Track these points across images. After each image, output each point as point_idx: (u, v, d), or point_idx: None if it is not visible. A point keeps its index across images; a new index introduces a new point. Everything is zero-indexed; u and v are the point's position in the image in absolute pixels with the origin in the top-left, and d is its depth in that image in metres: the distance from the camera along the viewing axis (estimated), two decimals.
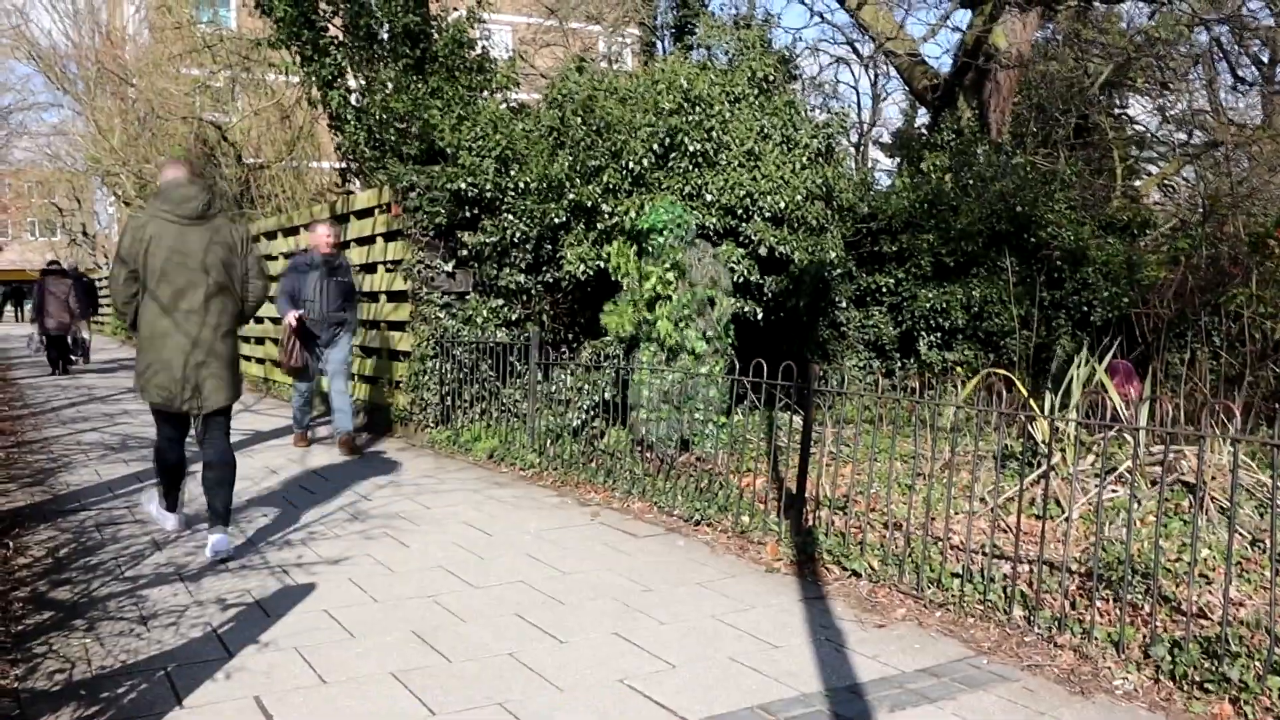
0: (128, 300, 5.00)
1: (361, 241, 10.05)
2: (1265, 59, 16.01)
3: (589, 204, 7.98)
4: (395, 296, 9.34)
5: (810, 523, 5.24)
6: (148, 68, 20.11)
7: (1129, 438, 5.66)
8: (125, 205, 23.04)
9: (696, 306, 6.90)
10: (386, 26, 10.46)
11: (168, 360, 4.92)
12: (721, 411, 6.75)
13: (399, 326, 9.26)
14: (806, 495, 5.30)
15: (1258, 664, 3.37)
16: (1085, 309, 9.57)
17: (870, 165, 19.41)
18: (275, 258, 12.82)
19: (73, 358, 15.99)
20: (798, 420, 6.27)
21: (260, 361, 13.70)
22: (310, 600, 4.37)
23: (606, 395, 7.32)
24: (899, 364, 9.93)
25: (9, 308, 45.97)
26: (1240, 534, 4.74)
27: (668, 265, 6.87)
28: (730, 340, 7.34)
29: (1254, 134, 13.64)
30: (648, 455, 6.76)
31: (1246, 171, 14.65)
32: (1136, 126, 18.24)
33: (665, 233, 6.93)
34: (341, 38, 10.80)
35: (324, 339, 8.12)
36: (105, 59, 23.05)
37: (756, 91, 8.49)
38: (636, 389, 6.83)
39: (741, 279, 7.92)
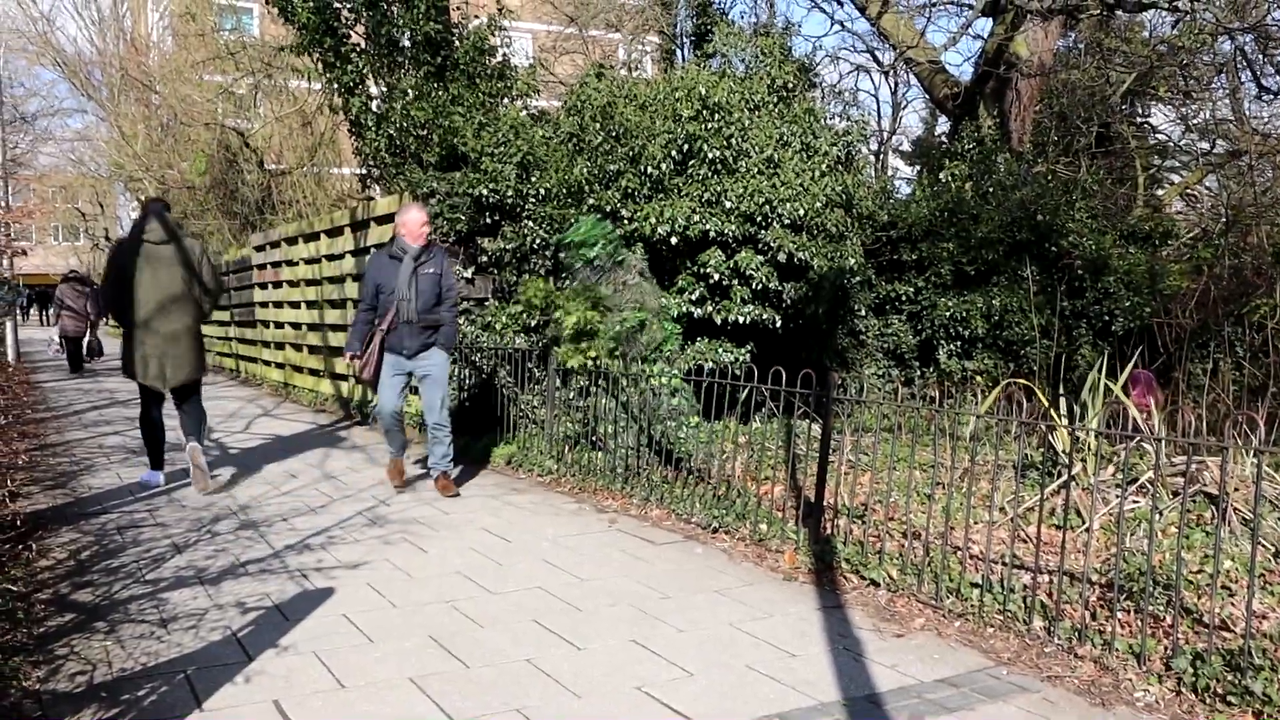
0: (113, 300, 6.66)
1: (381, 247, 10.08)
2: None
3: (608, 209, 7.99)
4: None
5: (828, 531, 5.22)
6: (171, 74, 20.30)
7: (1149, 448, 5.62)
8: None
9: (626, 335, 6.96)
10: (408, 34, 10.51)
11: (145, 349, 6.54)
12: (694, 414, 6.75)
13: None
14: (825, 503, 5.28)
15: None
16: (1107, 318, 9.51)
17: (890, 173, 19.37)
18: (296, 263, 12.90)
19: (85, 358, 17.26)
20: (816, 428, 6.26)
21: (280, 366, 13.78)
22: (329, 605, 4.38)
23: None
24: (918, 373, 9.90)
25: (34, 311, 46.44)
26: (1263, 546, 4.70)
27: (586, 303, 6.99)
28: (674, 346, 7.41)
29: (1278, 143, 13.52)
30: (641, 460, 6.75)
31: (1271, 181, 14.54)
32: (1159, 135, 18.12)
33: (589, 249, 7.07)
34: (363, 45, 10.87)
35: (410, 347, 6.58)
36: (129, 65, 23.28)
37: (776, 99, 8.49)
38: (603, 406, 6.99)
39: (760, 286, 7.92)
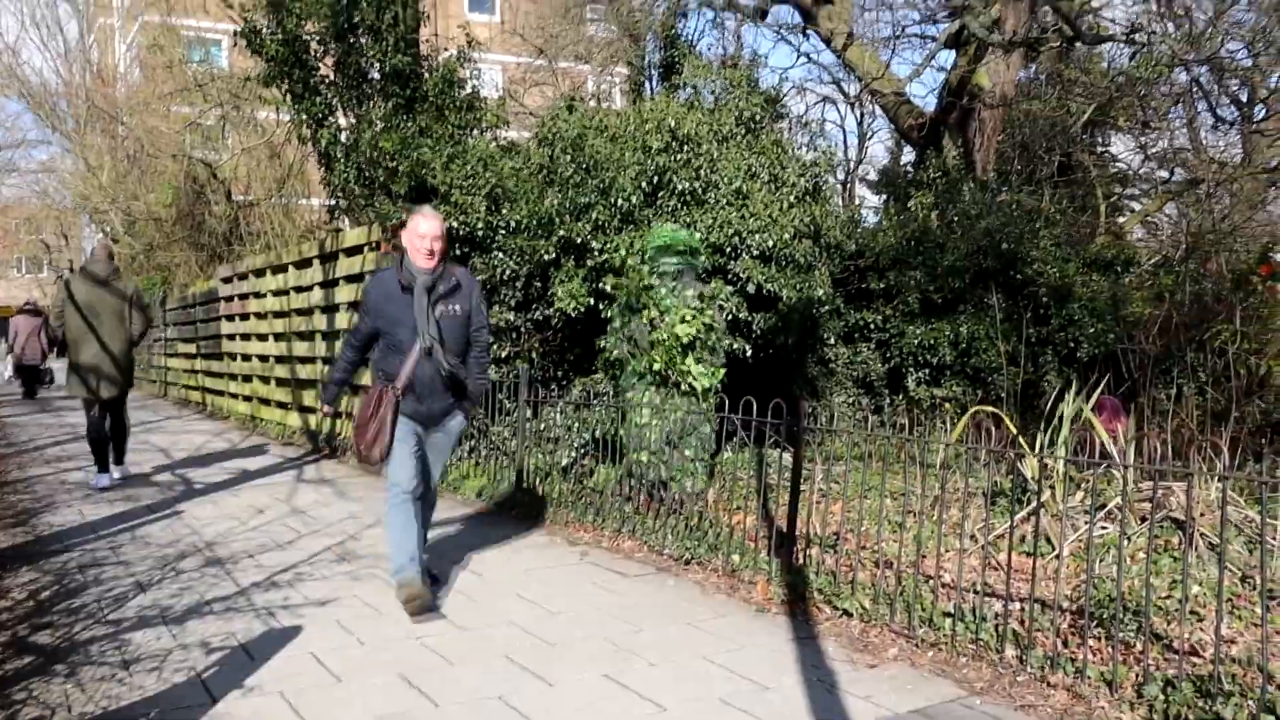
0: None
1: (350, 279, 10.06)
2: (1245, 98, 16.25)
3: (579, 241, 8.01)
4: None
5: (800, 561, 5.21)
6: (138, 106, 20.18)
7: (1117, 474, 5.66)
8: (114, 242, 23.04)
9: (713, 341, 6.82)
10: (377, 66, 10.52)
11: (86, 369, 8.02)
12: (710, 449, 6.71)
13: None
14: (797, 533, 5.28)
15: (1251, 703, 3.35)
16: (1072, 345, 9.61)
17: (858, 203, 19.56)
18: (264, 295, 12.81)
19: (40, 385, 18.59)
20: (787, 458, 6.26)
21: (248, 399, 13.63)
22: (296, 643, 4.31)
23: (597, 433, 7.27)
24: (888, 400, 9.94)
25: None
26: (1230, 570, 4.74)
27: (691, 295, 6.71)
28: (721, 378, 7.31)
29: (1234, 172, 13.80)
30: (639, 495, 6.72)
31: (1228, 209, 14.82)
32: (1119, 164, 18.44)
33: (678, 257, 6.74)
34: (332, 77, 10.86)
35: (434, 412, 4.87)
36: (96, 97, 23.13)
37: (744, 131, 8.56)
38: (638, 430, 6.65)
39: (731, 316, 7.94)
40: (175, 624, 4.59)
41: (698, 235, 7.15)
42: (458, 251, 8.50)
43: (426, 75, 10.69)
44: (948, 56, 15.12)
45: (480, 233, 8.29)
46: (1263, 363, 8.14)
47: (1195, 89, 14.03)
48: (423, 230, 4.72)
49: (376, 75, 10.69)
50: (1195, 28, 13.40)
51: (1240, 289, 8.62)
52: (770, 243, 7.98)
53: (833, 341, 9.80)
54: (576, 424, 7.61)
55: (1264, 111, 15.67)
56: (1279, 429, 7.75)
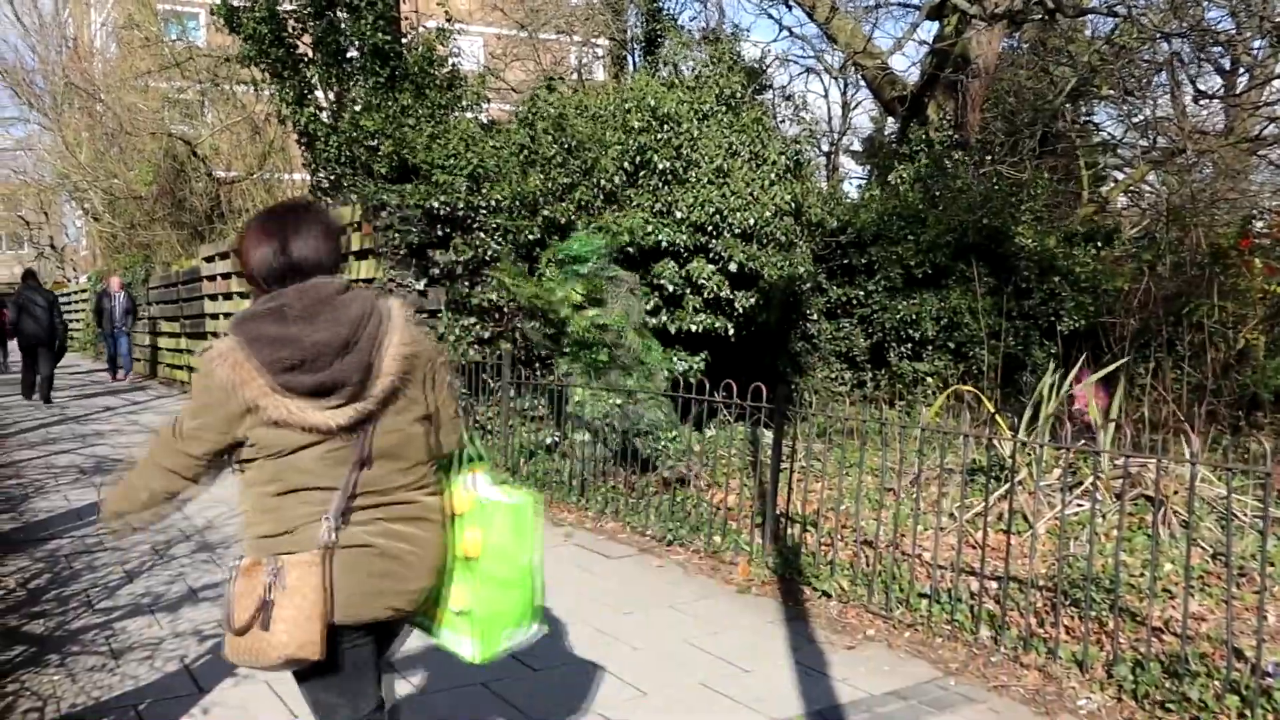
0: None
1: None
2: (1228, 65, 16.27)
3: (563, 221, 8.02)
4: None
5: (781, 542, 5.29)
6: (116, 83, 19.99)
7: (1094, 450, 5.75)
8: (94, 220, 22.89)
9: (611, 344, 7.02)
10: (356, 44, 10.47)
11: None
12: (672, 427, 6.80)
13: None
14: (778, 514, 5.36)
15: (1217, 683, 3.45)
16: (1053, 319, 9.70)
17: (842, 175, 19.56)
18: (230, 276, 12.78)
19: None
20: (769, 435, 6.34)
21: None
22: None
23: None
24: (870, 375, 10.02)
25: None
26: (1202, 548, 4.84)
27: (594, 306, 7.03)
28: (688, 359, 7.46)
29: (1215, 143, 13.86)
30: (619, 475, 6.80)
31: (1209, 180, 14.89)
32: (1103, 134, 18.47)
33: (582, 264, 7.06)
34: (311, 55, 10.80)
35: None
36: (72, 73, 22.89)
37: (725, 109, 8.56)
38: (576, 413, 6.95)
39: (713, 295, 7.99)
40: (167, 612, 4.65)
41: (599, 240, 7.41)
42: (440, 232, 8.51)
43: (407, 53, 10.65)
44: (930, 28, 15.08)
45: (462, 212, 8.30)
46: (1240, 336, 8.23)
47: (1177, 60, 14.03)
48: None
49: (356, 53, 10.64)
50: None
51: (1218, 262, 8.69)
52: (751, 221, 8.01)
53: (815, 317, 9.86)
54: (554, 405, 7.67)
55: (1247, 78, 15.71)
56: (1256, 402, 7.85)
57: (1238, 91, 15.08)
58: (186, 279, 15.96)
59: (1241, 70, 15.86)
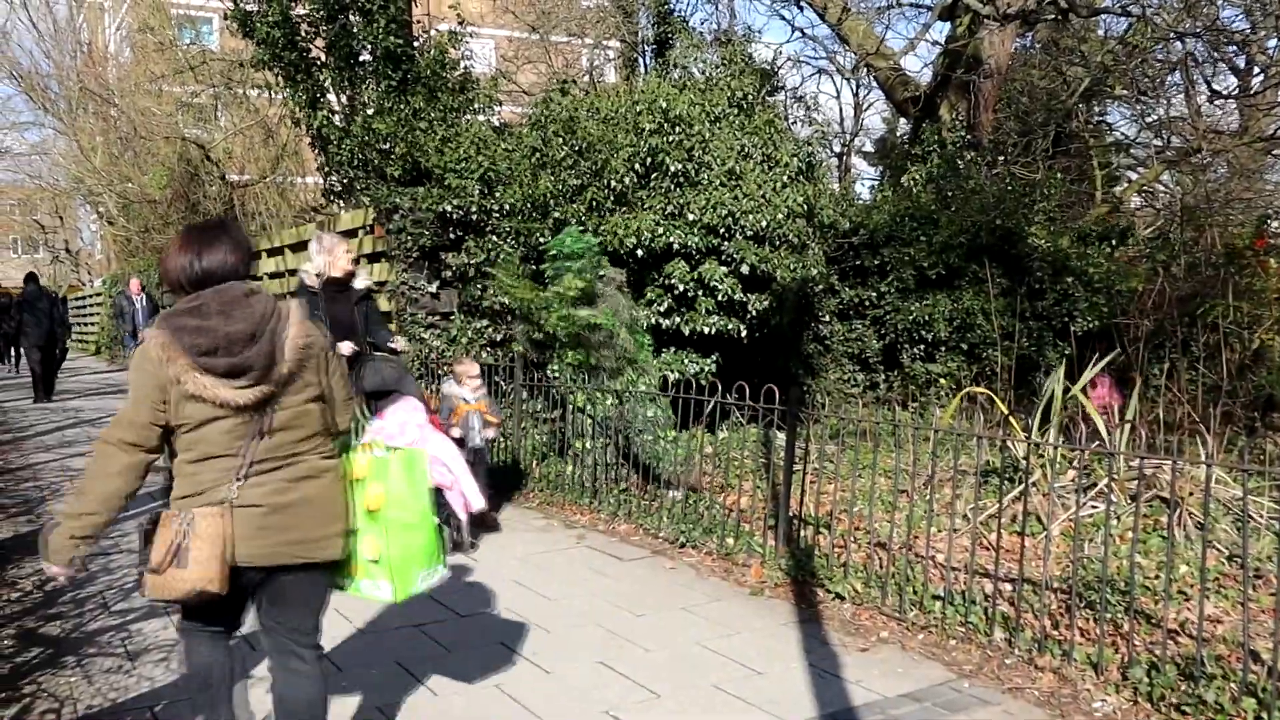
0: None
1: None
2: (1243, 64, 16.18)
3: (573, 222, 8.02)
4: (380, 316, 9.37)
5: (794, 544, 5.28)
6: (130, 87, 20.10)
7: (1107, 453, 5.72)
8: (109, 224, 23.01)
9: (599, 343, 7.03)
10: (369, 48, 10.50)
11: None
12: (669, 427, 6.78)
13: None
14: (790, 516, 5.35)
15: (1233, 685, 3.42)
16: (1066, 319, 9.65)
17: (854, 177, 19.52)
18: (260, 277, 12.82)
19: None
20: (781, 437, 6.33)
21: None
22: None
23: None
24: (883, 376, 10.00)
25: None
26: (1218, 549, 4.81)
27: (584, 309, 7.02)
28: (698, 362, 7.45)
29: (1230, 142, 13.78)
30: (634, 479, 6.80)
31: (1223, 179, 14.80)
32: (1116, 134, 18.39)
33: (574, 261, 7.03)
34: (324, 59, 10.84)
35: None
36: (87, 78, 23.03)
37: (737, 110, 8.55)
38: (578, 418, 6.97)
39: (725, 298, 7.98)
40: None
41: (592, 237, 7.43)
42: (453, 234, 8.54)
43: (419, 56, 10.67)
44: (943, 28, 15.05)
45: (474, 215, 8.32)
46: (1255, 336, 8.18)
47: (1191, 59, 13.96)
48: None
49: (368, 57, 10.67)
50: None
51: (1232, 263, 8.64)
52: (764, 223, 8.00)
53: (828, 319, 9.84)
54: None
55: (1262, 78, 15.61)
56: (1271, 403, 7.80)
57: (1253, 91, 14.99)
58: None
59: (1256, 70, 15.77)
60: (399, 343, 6.58)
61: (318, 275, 6.22)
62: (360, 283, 6.36)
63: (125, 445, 2.63)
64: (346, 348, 5.85)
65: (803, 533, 5.37)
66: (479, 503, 4.09)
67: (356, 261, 6.55)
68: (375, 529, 2.85)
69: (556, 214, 8.09)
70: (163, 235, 18.79)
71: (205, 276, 2.72)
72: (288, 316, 2.75)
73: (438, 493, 4.01)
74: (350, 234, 9.90)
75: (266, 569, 2.73)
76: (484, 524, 6.14)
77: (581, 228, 7.75)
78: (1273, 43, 14.76)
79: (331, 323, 5.90)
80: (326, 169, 10.99)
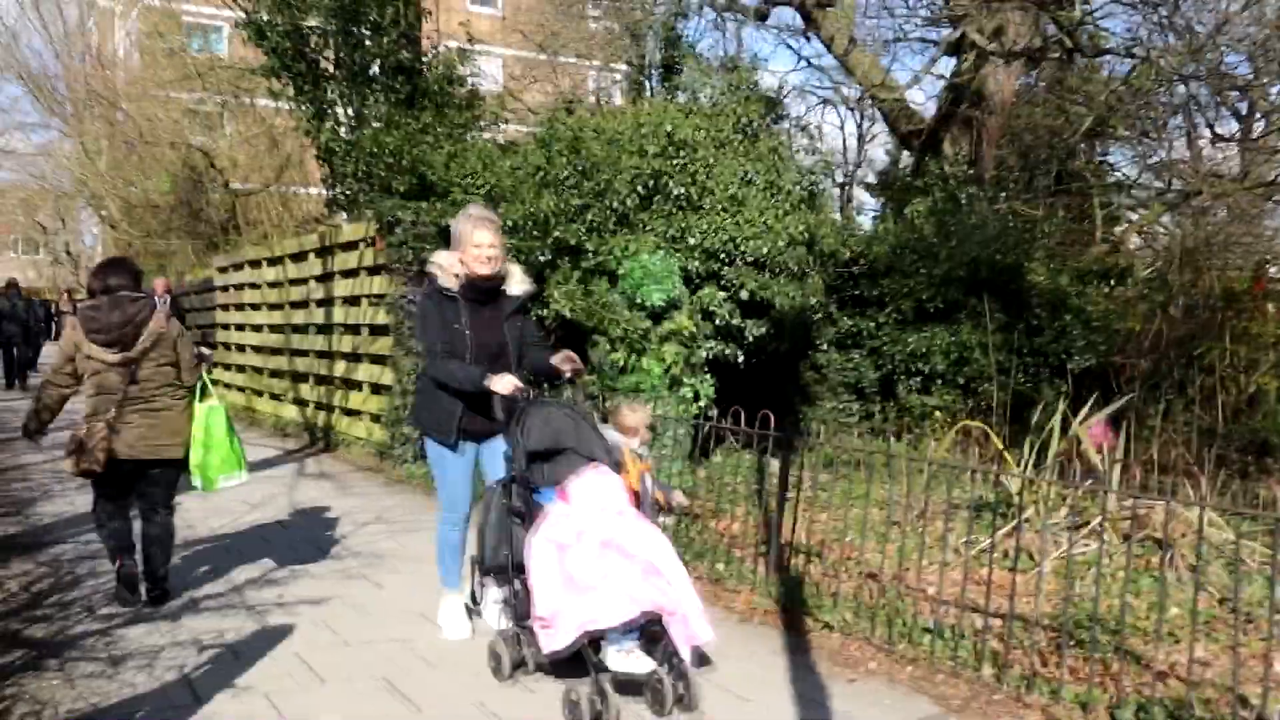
0: None
1: (346, 274, 10.09)
2: (1245, 109, 16.28)
3: (574, 243, 8.04)
4: (378, 330, 9.38)
5: (785, 572, 5.27)
6: (137, 92, 20.17)
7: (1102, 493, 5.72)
8: (111, 228, 23.02)
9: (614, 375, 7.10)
10: (378, 61, 10.56)
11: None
12: (681, 456, 6.78)
13: (380, 360, 9.29)
14: (782, 543, 5.33)
15: None
16: (1064, 356, 9.66)
17: (856, 207, 19.60)
18: (260, 286, 12.83)
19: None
20: (775, 464, 6.32)
21: (241, 389, 13.67)
22: (285, 643, 4.36)
23: None
24: (879, 407, 9.99)
25: None
26: (1209, 592, 4.80)
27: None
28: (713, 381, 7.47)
29: (1230, 186, 13.85)
30: None
31: (1223, 223, 14.87)
32: (1118, 174, 18.47)
33: (659, 289, 7.18)
34: (333, 70, 10.89)
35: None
36: (94, 82, 23.10)
37: (741, 137, 8.60)
38: None
39: (724, 323, 7.99)
40: (168, 620, 4.65)
41: (674, 260, 7.67)
42: None
43: (427, 71, 10.73)
44: (948, 63, 15.15)
45: None
46: (1252, 380, 8.21)
47: (1193, 103, 14.05)
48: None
49: (378, 70, 10.73)
50: (1196, 40, 13.45)
51: (1231, 306, 8.67)
52: (765, 249, 8.02)
53: (826, 348, 9.85)
54: None
55: (1264, 123, 15.71)
56: (1266, 447, 7.81)
57: (1254, 136, 15.08)
58: (200, 289, 16.04)
59: (1258, 115, 15.87)
60: (567, 368, 4.29)
61: (455, 275, 4.30)
62: (516, 288, 4.45)
63: (56, 382, 4.86)
64: (506, 384, 4.04)
65: (794, 561, 5.36)
66: (707, 633, 3.55)
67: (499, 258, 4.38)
68: (198, 449, 4.96)
69: (558, 233, 8.10)
70: (164, 241, 18.82)
71: (106, 289, 4.78)
72: (154, 316, 4.81)
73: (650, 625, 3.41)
74: (352, 246, 9.92)
75: (134, 461, 4.78)
76: None
77: (661, 250, 7.83)
78: (1275, 89, 14.87)
79: (476, 340, 4.27)
80: (331, 180, 11.02)
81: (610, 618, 3.45)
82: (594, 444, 4.11)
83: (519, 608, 3.87)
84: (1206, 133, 14.76)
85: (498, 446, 4.31)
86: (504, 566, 3.96)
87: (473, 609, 4.40)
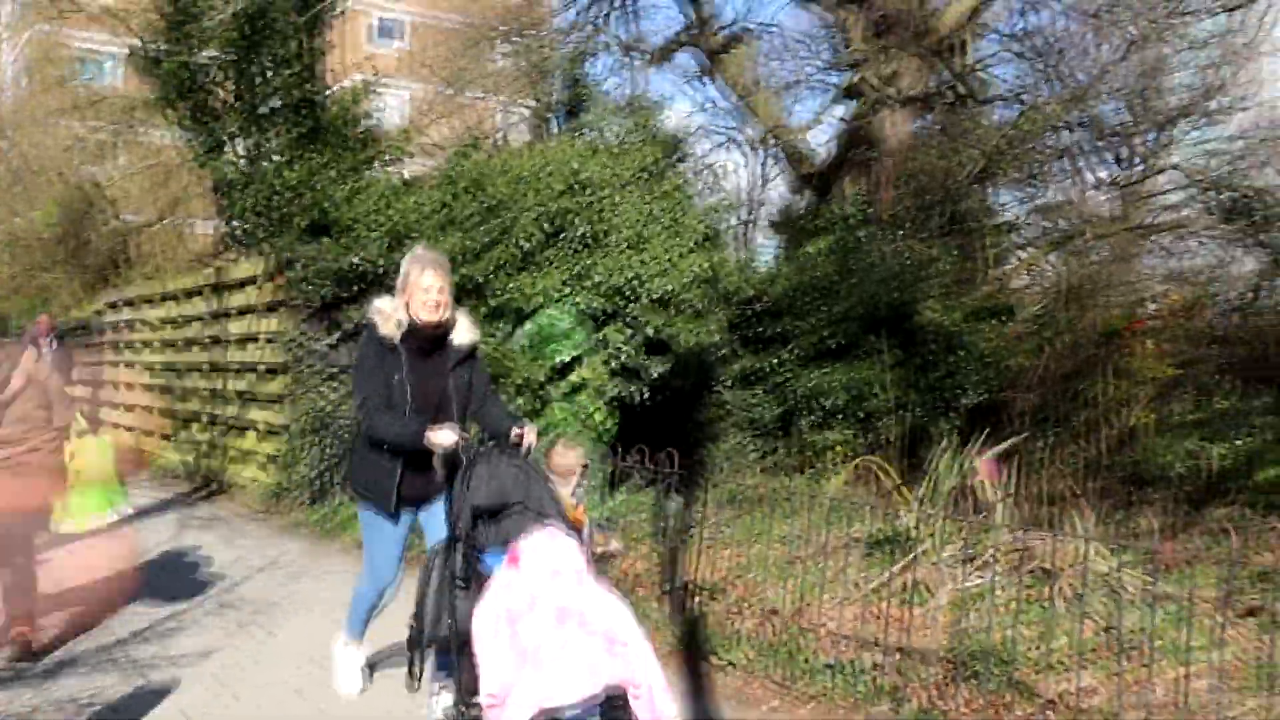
0: None
1: (243, 312, 9.84)
2: (1124, 154, 17.12)
3: (480, 280, 8.00)
4: (273, 370, 9.15)
5: (687, 611, 5.28)
6: (24, 120, 19.43)
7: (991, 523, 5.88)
8: None
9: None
10: (278, 96, 10.36)
11: None
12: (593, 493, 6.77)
13: (275, 401, 9.06)
14: (684, 582, 5.35)
15: None
16: (957, 392, 9.96)
17: (757, 246, 19.91)
18: (150, 323, 12.42)
19: None
20: (677, 502, 6.35)
21: (129, 430, 13.17)
22: (171, 700, 4.20)
23: None
24: (780, 443, 10.13)
25: None
26: (1094, 621, 4.96)
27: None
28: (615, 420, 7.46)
29: (1110, 227, 14.53)
30: None
31: (1104, 262, 15.57)
32: (1006, 215, 19.18)
33: (564, 346, 7.40)
34: (231, 101, 10.64)
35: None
36: None
37: (645, 176, 8.69)
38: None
39: (627, 361, 8.02)
40: (40, 680, 4.42)
41: (571, 307, 7.84)
42: (355, 288, 8.42)
43: (329, 106, 10.58)
44: (847, 106, 15.60)
45: (381, 269, 8.23)
46: (1131, 414, 8.57)
47: (1076, 147, 14.73)
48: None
49: (278, 103, 10.52)
50: (1078, 89, 14.12)
51: (1110, 342, 9.06)
52: (668, 287, 8.09)
53: (729, 384, 9.96)
54: None
55: (1141, 168, 16.54)
56: (1145, 478, 8.15)
57: (1132, 180, 15.86)
58: (78, 327, 15.32)
59: (1136, 160, 16.71)
60: (527, 431, 3.93)
61: (398, 323, 3.96)
62: (463, 336, 4.10)
63: None
64: (445, 437, 3.67)
65: (697, 599, 5.37)
66: (671, 710, 3.17)
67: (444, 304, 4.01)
68: (77, 486, 5.44)
69: (463, 270, 8.05)
70: (49, 274, 18.09)
71: None
72: (24, 359, 4.99)
73: (612, 702, 3.02)
74: (248, 282, 9.69)
75: None
76: None
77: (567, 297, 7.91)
78: (1150, 135, 15.71)
79: (417, 393, 3.95)
80: (227, 215, 10.74)
81: (569, 694, 3.02)
82: (544, 499, 3.62)
83: (465, 684, 3.38)
84: (1089, 176, 15.47)
85: (438, 508, 3.97)
86: (446, 639, 3.47)
87: (411, 686, 3.68)
